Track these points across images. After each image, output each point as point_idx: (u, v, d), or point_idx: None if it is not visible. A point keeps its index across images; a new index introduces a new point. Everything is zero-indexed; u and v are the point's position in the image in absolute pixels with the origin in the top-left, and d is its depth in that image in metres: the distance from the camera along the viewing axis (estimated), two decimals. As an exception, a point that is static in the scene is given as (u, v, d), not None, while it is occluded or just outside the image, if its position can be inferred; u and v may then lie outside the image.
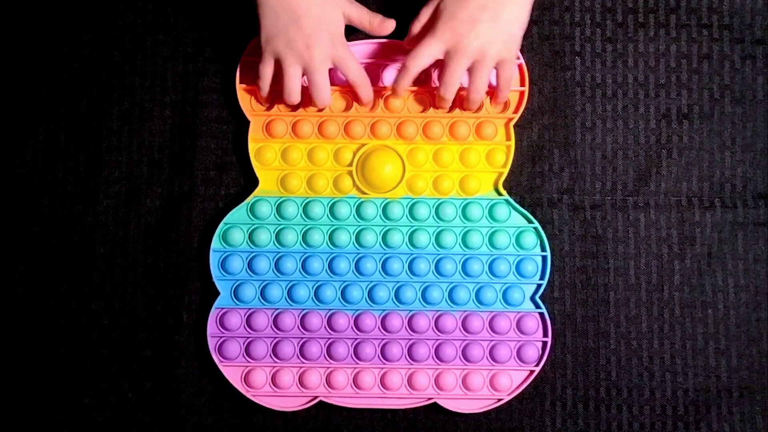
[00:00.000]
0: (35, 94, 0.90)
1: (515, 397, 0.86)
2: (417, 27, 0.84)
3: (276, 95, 0.86)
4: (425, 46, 0.81)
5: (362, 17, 0.84)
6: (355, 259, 0.87)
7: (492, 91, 0.86)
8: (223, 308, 0.86)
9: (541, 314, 0.86)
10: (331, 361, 0.86)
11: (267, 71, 0.83)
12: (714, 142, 0.89)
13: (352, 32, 0.89)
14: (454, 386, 0.85)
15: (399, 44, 0.88)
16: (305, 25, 0.80)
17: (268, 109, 0.88)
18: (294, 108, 0.87)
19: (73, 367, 0.87)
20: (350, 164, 0.87)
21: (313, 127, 0.88)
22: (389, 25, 0.85)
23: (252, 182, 0.87)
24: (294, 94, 0.83)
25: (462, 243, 0.87)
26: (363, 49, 0.89)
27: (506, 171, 0.87)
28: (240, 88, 0.88)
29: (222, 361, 0.86)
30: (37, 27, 0.91)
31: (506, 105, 0.87)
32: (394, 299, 0.87)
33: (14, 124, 0.90)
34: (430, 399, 0.86)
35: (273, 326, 0.86)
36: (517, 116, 0.87)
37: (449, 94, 0.83)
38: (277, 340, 0.86)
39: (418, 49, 0.81)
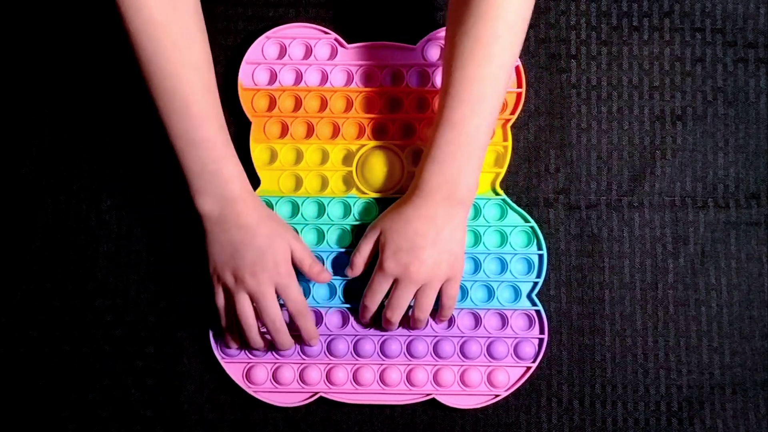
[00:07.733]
0: (40, 95, 0.91)
1: (512, 393, 0.87)
2: (359, 260, 0.84)
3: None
4: (377, 284, 0.82)
5: (304, 258, 0.83)
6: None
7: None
8: (225, 305, 0.88)
9: (538, 312, 0.87)
10: (331, 357, 0.87)
11: (220, 301, 0.83)
12: (707, 143, 0.90)
13: (352, 36, 0.90)
14: (452, 382, 0.86)
15: (395, 46, 0.89)
16: (249, 254, 0.80)
17: (239, 348, 0.86)
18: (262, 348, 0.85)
19: (77, 363, 0.88)
20: (351, 164, 0.89)
21: (314, 128, 0.89)
22: (325, 277, 0.84)
23: (253, 182, 0.88)
24: (248, 318, 0.82)
25: (460, 242, 0.88)
26: (358, 51, 0.90)
27: (503, 171, 0.88)
28: (241, 90, 0.89)
29: (224, 358, 0.87)
30: (42, 27, 0.92)
31: (504, 106, 0.88)
32: (393, 297, 0.88)
33: (20, 123, 0.91)
34: (428, 395, 0.87)
35: (274, 323, 0.87)
36: (514, 117, 0.89)
37: (395, 317, 0.83)
38: (278, 336, 0.87)
39: (372, 288, 0.83)
